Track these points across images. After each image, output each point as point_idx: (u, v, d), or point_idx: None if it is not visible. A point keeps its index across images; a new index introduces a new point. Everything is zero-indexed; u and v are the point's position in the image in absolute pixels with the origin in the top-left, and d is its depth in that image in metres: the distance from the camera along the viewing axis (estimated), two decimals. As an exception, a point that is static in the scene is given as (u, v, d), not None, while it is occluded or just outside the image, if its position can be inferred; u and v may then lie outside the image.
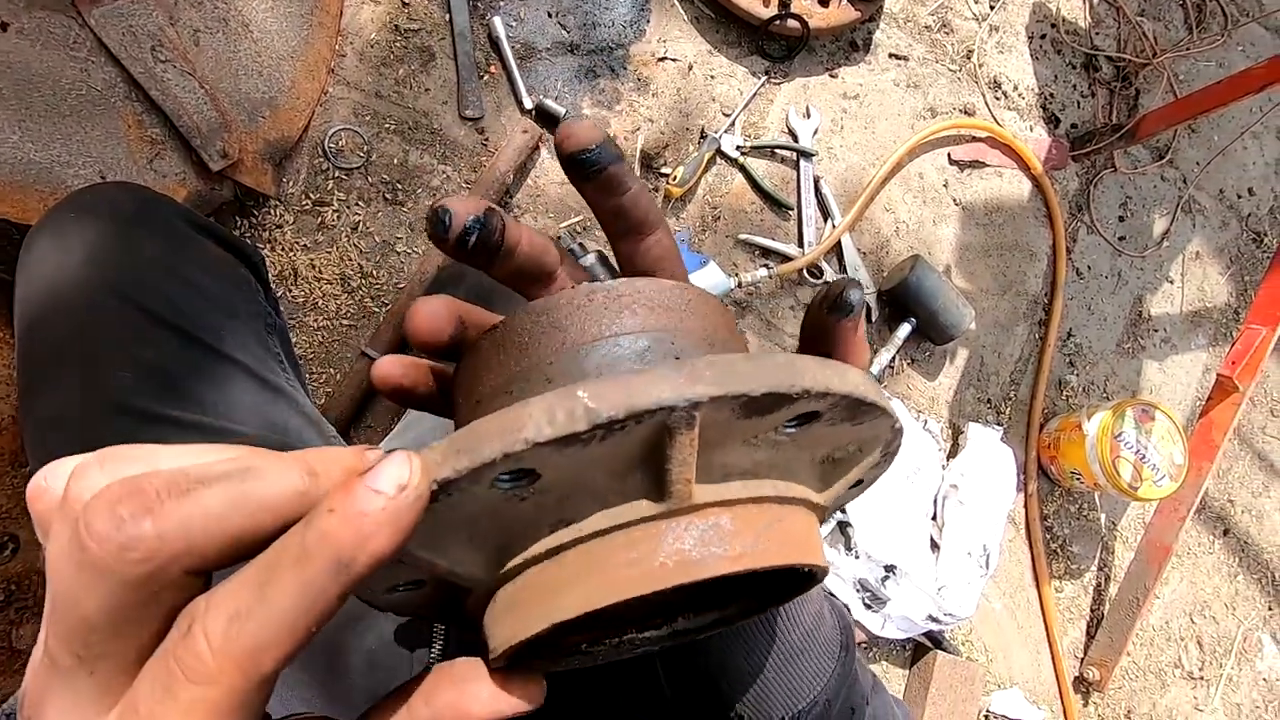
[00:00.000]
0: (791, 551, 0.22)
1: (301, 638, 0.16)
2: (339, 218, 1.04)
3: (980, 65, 1.37)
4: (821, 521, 0.25)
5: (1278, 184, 1.54)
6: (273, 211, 1.02)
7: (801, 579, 0.25)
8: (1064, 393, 1.32)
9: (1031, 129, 1.39)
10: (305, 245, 1.03)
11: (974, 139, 1.33)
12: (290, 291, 1.02)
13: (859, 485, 0.27)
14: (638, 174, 1.16)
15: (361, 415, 1.01)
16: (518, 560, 0.21)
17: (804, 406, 0.20)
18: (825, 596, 0.42)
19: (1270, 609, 1.39)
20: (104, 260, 0.61)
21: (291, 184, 1.03)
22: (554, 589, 0.20)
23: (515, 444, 0.18)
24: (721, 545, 0.20)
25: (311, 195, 1.04)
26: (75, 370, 0.58)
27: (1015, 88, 1.38)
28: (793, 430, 0.21)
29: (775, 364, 0.20)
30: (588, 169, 0.27)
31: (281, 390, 0.66)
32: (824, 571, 0.24)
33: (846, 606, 1.08)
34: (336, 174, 1.05)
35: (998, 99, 1.37)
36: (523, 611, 0.21)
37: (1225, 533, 1.38)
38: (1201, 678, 1.31)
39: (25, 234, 0.63)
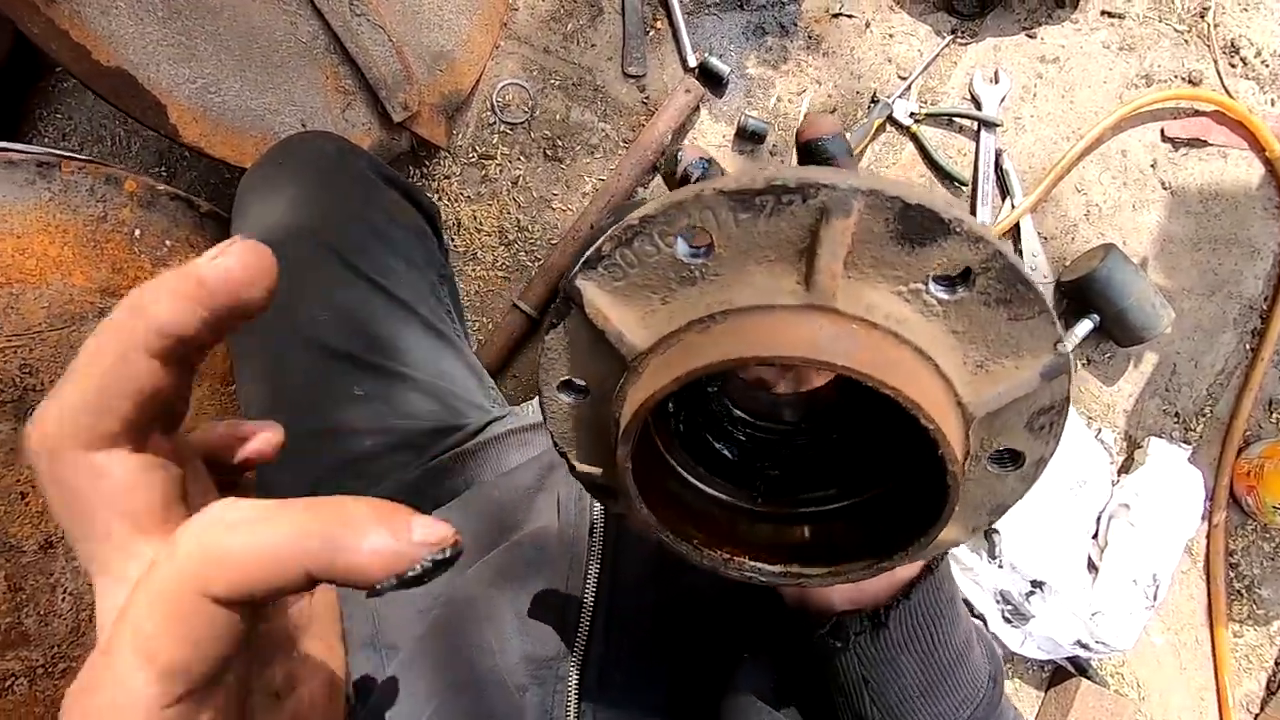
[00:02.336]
0: (924, 398, 0.21)
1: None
2: (501, 172, 1.08)
3: (1216, 25, 1.17)
4: (966, 438, 0.23)
5: None
6: (442, 163, 1.07)
7: (929, 515, 0.24)
8: (1274, 414, 1.14)
9: (1274, 103, 1.18)
10: (469, 197, 1.07)
11: (1197, 113, 1.15)
12: (453, 241, 1.07)
13: (1012, 440, 0.24)
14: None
15: (508, 365, 1.05)
16: (673, 328, 0.23)
17: (957, 251, 0.21)
18: (975, 626, 0.39)
19: None
20: (306, 206, 0.66)
21: (460, 136, 1.07)
22: (693, 351, 0.22)
23: (705, 190, 0.21)
24: (852, 345, 0.21)
25: (478, 148, 1.07)
26: (277, 304, 0.64)
27: (1258, 53, 1.18)
28: (943, 293, 0.22)
29: (936, 193, 0.24)
30: (819, 157, 0.29)
31: (449, 339, 0.69)
32: (956, 472, 0.22)
33: (984, 618, 1.01)
34: (502, 128, 1.08)
35: (1233, 66, 1.17)
36: (661, 372, 0.23)
37: None
38: None
39: (240, 175, 0.70)
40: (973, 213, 1.11)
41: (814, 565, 0.28)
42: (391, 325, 0.65)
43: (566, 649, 0.45)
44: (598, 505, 0.50)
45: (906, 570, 0.34)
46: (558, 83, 1.08)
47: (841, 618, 0.34)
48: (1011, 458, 0.25)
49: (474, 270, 1.07)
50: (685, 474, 0.31)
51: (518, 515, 0.55)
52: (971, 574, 1.02)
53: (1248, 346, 1.15)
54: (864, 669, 0.34)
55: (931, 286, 0.22)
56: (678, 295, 0.24)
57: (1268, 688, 1.11)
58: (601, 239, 0.23)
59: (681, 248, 0.23)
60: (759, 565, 0.28)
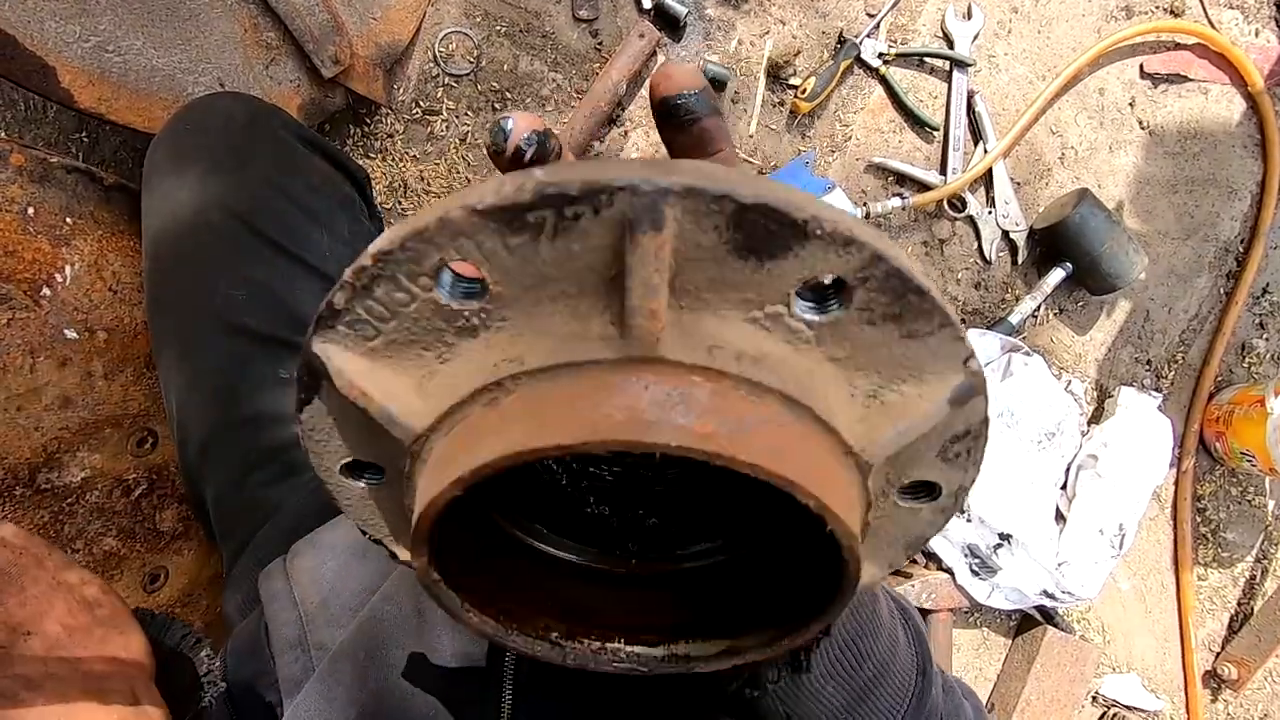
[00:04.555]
0: (802, 465, 0.16)
1: None
2: (448, 128, 1.02)
3: (1201, -50, 1.11)
4: (865, 490, 0.19)
5: None
6: (384, 120, 1.00)
7: (831, 583, 0.19)
8: (1246, 359, 1.13)
9: (1257, 34, 1.13)
10: (415, 156, 1.01)
11: (1177, 46, 1.10)
12: (400, 204, 1.01)
13: (923, 470, 0.20)
14: (762, 85, 1.04)
15: (465, 333, 1.02)
16: (454, 400, 0.18)
17: (823, 259, 0.16)
18: (900, 611, 0.38)
19: None
20: (217, 175, 0.61)
21: (402, 91, 1.01)
22: (480, 437, 0.17)
23: (452, 210, 0.16)
24: (688, 415, 0.16)
25: (422, 103, 1.01)
26: (189, 285, 0.59)
27: (1244, -21, 1.12)
28: (813, 314, 0.17)
29: (780, 184, 0.16)
30: (681, 117, 0.24)
31: (382, 315, 0.65)
32: (853, 546, 0.17)
33: (952, 571, 1.01)
34: (446, 81, 1.01)
35: (1218, -6, 1.12)
36: (446, 466, 0.17)
37: None
38: (1364, 691, 1.16)
39: (149, 143, 0.64)
40: (943, 160, 1.06)
41: (703, 640, 0.23)
42: (316, 302, 0.61)
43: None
44: None
45: None
46: (503, 29, 1.01)
47: (756, 668, 0.31)
48: (926, 489, 0.21)
49: (424, 235, 1.02)
50: (537, 543, 0.25)
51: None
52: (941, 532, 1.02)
53: (1222, 290, 1.13)
54: (787, 707, 0.32)
55: (795, 307, 0.17)
56: (458, 350, 0.18)
57: (1229, 627, 1.13)
58: (334, 288, 0.18)
59: (446, 289, 0.18)
60: (638, 650, 0.23)
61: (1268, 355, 1.13)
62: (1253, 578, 1.14)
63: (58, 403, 0.64)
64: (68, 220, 0.59)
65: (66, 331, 0.62)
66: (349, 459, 0.21)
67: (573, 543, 0.26)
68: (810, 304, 0.18)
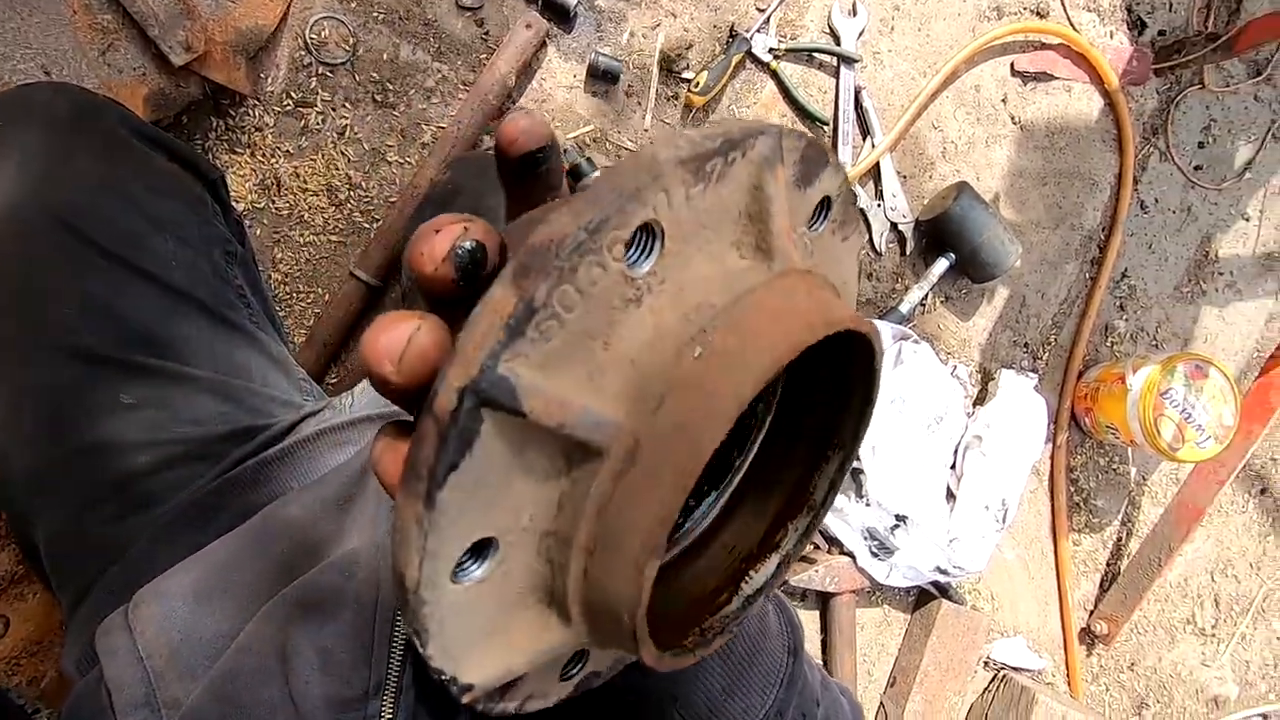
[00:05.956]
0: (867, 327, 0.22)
1: None
2: (324, 121, 0.95)
3: (1061, -45, 1.17)
4: None
5: (1389, 108, 1.35)
6: (251, 112, 0.93)
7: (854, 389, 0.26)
8: (1109, 339, 1.22)
9: (1112, 35, 1.21)
10: (288, 151, 0.94)
11: (1043, 46, 1.17)
12: (274, 203, 0.94)
13: None
14: (655, 78, 1.03)
15: (350, 340, 0.96)
16: (643, 375, 0.17)
17: (830, 183, 0.22)
18: (771, 596, 0.39)
19: (1296, 568, 1.34)
20: (38, 176, 0.54)
21: (271, 81, 0.93)
22: (713, 386, 0.17)
23: (662, 160, 0.16)
24: (837, 306, 0.20)
25: (293, 94, 0.94)
26: (13, 305, 0.52)
27: (1099, -16, 1.20)
28: (809, 229, 0.23)
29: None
30: (538, 168, 0.23)
31: (241, 328, 0.60)
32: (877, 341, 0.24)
33: (853, 555, 1.05)
34: (320, 70, 0.94)
35: (1077, -3, 1.19)
36: (675, 438, 0.17)
37: (1263, 492, 1.31)
38: (1214, 635, 1.28)
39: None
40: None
41: (755, 567, 0.26)
42: (162, 317, 0.56)
43: (378, 685, 0.40)
44: None
45: None
46: (381, 16, 0.95)
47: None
48: None
49: (302, 235, 0.95)
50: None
51: (322, 536, 0.49)
52: (841, 514, 1.05)
53: (1088, 276, 1.21)
54: (670, 684, 0.33)
55: (806, 225, 0.22)
56: (620, 329, 0.17)
57: (1101, 586, 1.23)
58: (527, 282, 0.15)
59: (621, 259, 0.17)
60: (725, 613, 0.25)
61: (1127, 335, 1.23)
62: (1119, 540, 1.24)
63: None
64: None
65: None
66: (479, 537, 0.17)
67: None
68: (810, 222, 0.23)
